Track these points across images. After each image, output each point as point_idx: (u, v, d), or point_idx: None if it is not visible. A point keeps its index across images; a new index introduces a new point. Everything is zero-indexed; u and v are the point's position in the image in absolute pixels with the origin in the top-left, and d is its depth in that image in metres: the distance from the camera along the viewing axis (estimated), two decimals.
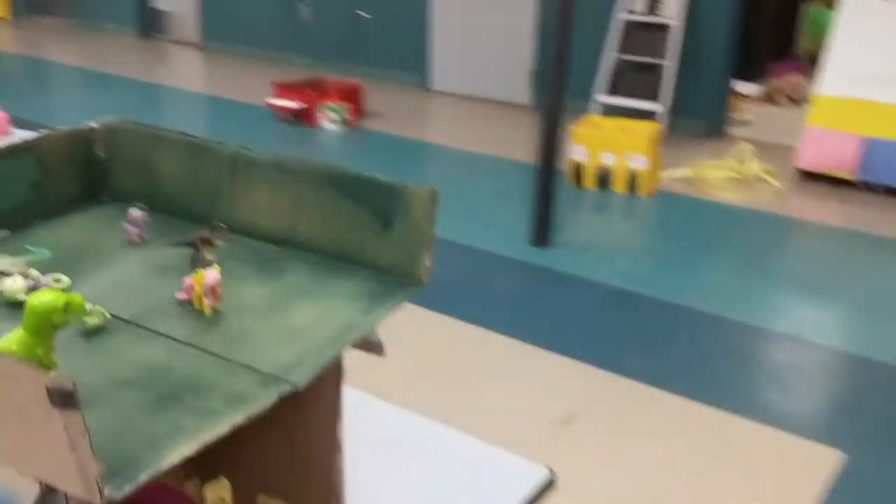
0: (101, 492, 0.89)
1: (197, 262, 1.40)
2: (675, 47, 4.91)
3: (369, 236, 1.37)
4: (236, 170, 1.48)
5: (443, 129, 6.00)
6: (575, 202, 3.96)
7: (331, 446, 1.38)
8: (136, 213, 1.46)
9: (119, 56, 8.12)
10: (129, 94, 7.46)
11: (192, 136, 1.53)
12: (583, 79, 5.03)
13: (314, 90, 6.96)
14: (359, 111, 7.13)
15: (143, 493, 1.29)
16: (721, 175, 4.26)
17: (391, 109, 7.03)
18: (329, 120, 7.28)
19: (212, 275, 1.25)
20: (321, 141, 7.12)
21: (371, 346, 1.53)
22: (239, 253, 1.45)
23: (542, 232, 3.30)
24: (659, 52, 4.99)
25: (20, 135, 4.25)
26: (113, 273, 1.39)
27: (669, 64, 4.90)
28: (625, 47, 5.09)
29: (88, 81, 7.50)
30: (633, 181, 3.99)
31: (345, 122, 7.39)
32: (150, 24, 8.47)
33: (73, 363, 1.13)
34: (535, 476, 1.80)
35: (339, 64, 7.41)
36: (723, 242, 3.56)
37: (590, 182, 4.04)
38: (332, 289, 1.34)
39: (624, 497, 1.85)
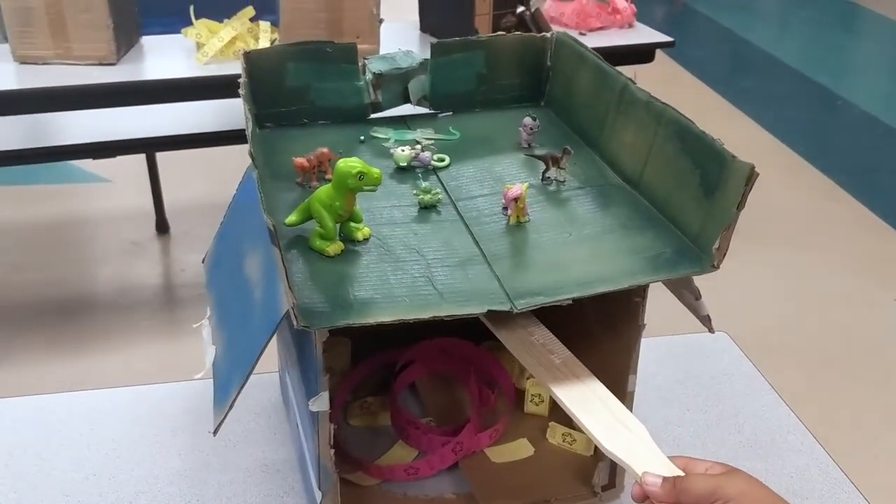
0: (297, 318, 1.11)
1: (543, 177, 1.49)
2: None
3: (692, 200, 1.28)
4: (621, 102, 1.49)
5: None
6: None
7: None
8: (528, 120, 1.59)
9: None
10: None
11: (599, 57, 1.57)
12: None
13: None
14: None
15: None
16: None
17: None
18: None
19: (516, 188, 1.34)
20: None
21: (700, 318, 1.46)
22: (587, 179, 1.48)
23: None
24: None
25: (643, 29, 4.48)
26: (485, 163, 1.56)
27: None
28: None
29: None
30: None
31: None
32: None
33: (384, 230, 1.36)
34: None
35: None
36: None
37: None
38: (629, 241, 1.31)
39: None
